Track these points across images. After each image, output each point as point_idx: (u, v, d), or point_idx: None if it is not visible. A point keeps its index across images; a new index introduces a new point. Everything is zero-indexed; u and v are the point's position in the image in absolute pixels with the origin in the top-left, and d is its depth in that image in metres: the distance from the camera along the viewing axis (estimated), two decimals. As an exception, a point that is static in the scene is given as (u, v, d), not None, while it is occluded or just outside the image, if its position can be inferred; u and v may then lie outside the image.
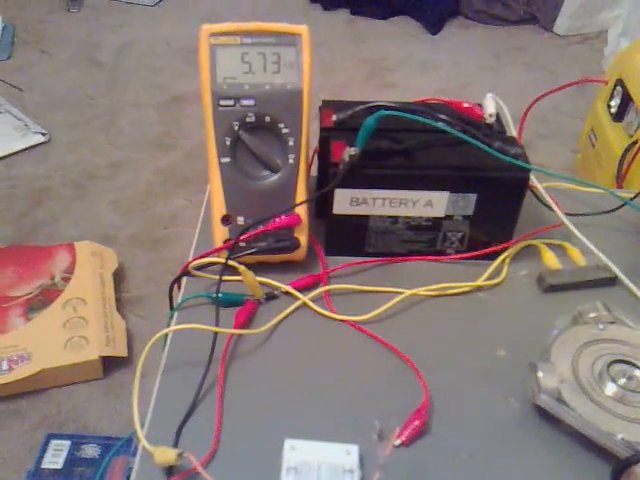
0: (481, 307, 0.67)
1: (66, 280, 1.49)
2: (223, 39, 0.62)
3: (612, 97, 1.73)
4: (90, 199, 1.87)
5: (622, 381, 0.54)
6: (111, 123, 2.18)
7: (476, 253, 0.71)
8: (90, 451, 1.24)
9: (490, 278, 0.70)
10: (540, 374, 0.54)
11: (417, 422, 0.55)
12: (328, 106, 0.72)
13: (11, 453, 1.25)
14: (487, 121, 0.69)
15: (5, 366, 1.30)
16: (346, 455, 0.52)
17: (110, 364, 1.39)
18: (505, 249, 0.71)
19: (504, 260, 0.71)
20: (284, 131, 0.64)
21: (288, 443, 0.52)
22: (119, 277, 1.60)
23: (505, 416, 0.57)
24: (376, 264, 0.71)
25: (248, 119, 0.63)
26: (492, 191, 0.67)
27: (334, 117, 0.69)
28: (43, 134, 2.05)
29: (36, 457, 1.22)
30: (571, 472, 0.53)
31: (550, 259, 0.71)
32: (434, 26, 2.97)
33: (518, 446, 0.55)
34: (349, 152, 0.64)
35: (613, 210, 0.75)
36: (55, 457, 1.22)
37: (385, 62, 2.72)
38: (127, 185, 1.92)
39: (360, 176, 0.66)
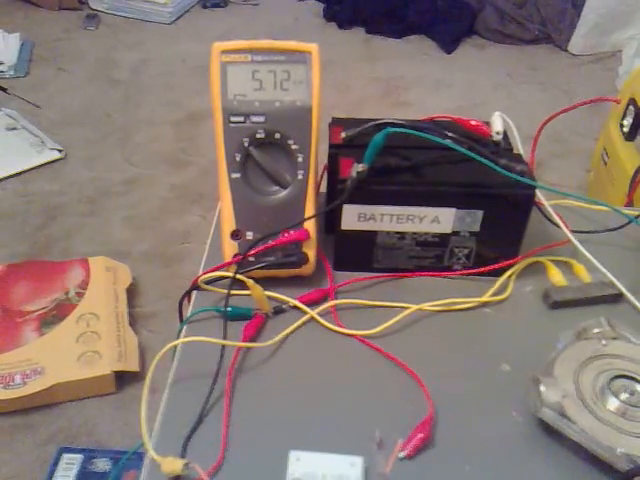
0: (486, 322, 0.68)
1: (80, 295, 1.51)
2: (234, 57, 0.63)
3: (625, 116, 1.74)
4: (104, 215, 1.89)
5: (624, 396, 0.55)
6: (126, 140, 2.21)
7: (483, 269, 0.71)
8: (102, 465, 1.25)
9: (496, 294, 0.70)
10: (543, 388, 0.55)
11: (421, 435, 0.55)
12: (338, 123, 0.73)
13: (24, 467, 1.26)
14: (494, 139, 0.70)
15: (19, 380, 1.31)
16: (350, 467, 0.52)
17: (123, 379, 1.41)
18: (511, 265, 0.72)
19: (510, 276, 0.72)
20: (293, 147, 0.66)
21: (293, 454, 0.53)
22: (132, 292, 1.62)
23: (508, 430, 0.57)
24: (384, 279, 0.72)
25: (258, 135, 0.65)
26: (498, 208, 0.67)
27: (343, 134, 0.71)
28: (59, 150, 2.08)
29: (48, 472, 1.23)
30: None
31: (556, 276, 0.71)
32: (449, 45, 2.99)
33: (521, 460, 0.55)
34: (357, 168, 0.65)
35: (619, 228, 0.75)
36: (67, 471, 1.23)
37: (400, 80, 2.74)
38: (141, 201, 1.95)
39: (368, 192, 0.67)
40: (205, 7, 3.23)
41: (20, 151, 2.07)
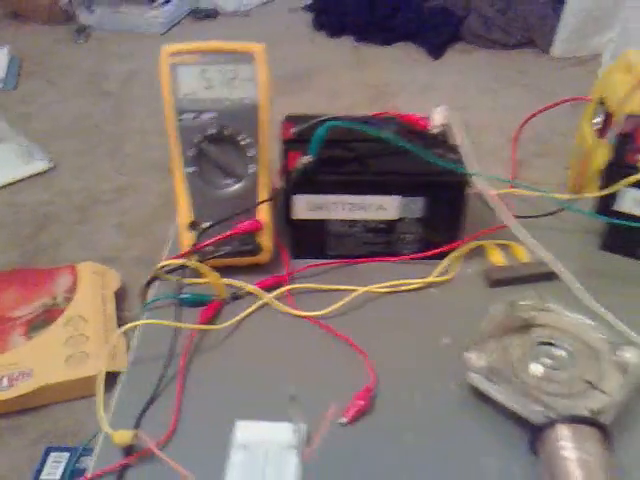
0: (431, 301, 0.72)
1: (68, 300, 1.55)
2: (183, 58, 0.68)
3: (596, 115, 1.78)
4: (94, 223, 1.94)
5: (545, 361, 0.59)
6: (116, 150, 2.26)
7: (428, 253, 0.75)
8: (89, 462, 1.28)
9: (440, 275, 0.74)
10: (471, 355, 0.59)
11: (362, 402, 0.59)
12: (290, 120, 0.78)
13: (12, 468, 1.29)
14: (432, 131, 0.74)
15: (6, 383, 1.35)
16: (293, 433, 0.56)
17: (111, 380, 1.44)
18: (455, 248, 0.76)
19: (454, 258, 0.76)
20: (244, 142, 0.70)
21: (239, 424, 0.57)
22: (122, 297, 1.66)
23: (444, 398, 0.61)
24: (337, 266, 0.76)
25: (209, 132, 0.69)
26: (437, 194, 0.72)
27: (293, 130, 0.75)
28: (48, 161, 2.12)
29: (35, 469, 1.26)
30: (499, 443, 0.57)
31: (496, 257, 0.76)
32: (436, 51, 3.04)
33: (454, 424, 0.59)
34: (302, 161, 0.69)
35: (554, 212, 0.79)
36: (54, 469, 1.27)
37: (388, 87, 2.79)
38: (131, 209, 1.99)
39: (316, 183, 0.71)
40: (196, 18, 3.29)
41: (8, 162, 2.11)
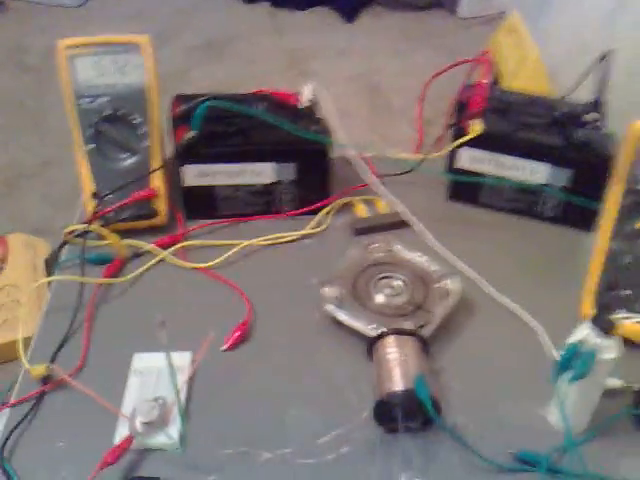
0: (305, 250, 0.86)
1: (0, 270, 1.64)
2: (79, 50, 0.79)
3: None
4: (22, 195, 2.01)
5: (385, 290, 0.74)
6: (40, 123, 2.31)
7: (303, 210, 0.89)
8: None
9: (314, 228, 0.88)
10: (325, 289, 0.73)
11: (238, 333, 0.73)
12: (179, 99, 0.89)
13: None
14: (301, 106, 0.87)
15: (-59, 346, 1.44)
16: (180, 359, 0.70)
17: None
18: (326, 205, 0.90)
19: (326, 214, 0.90)
20: (136, 121, 0.82)
21: (136, 356, 0.70)
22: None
23: (308, 325, 0.75)
24: (226, 224, 0.89)
25: (105, 113, 0.80)
26: (305, 160, 0.85)
27: (181, 108, 0.87)
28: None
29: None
30: (348, 355, 0.71)
31: (361, 210, 0.90)
32: (350, 15, 3.15)
33: (315, 344, 0.74)
34: (187, 135, 0.81)
35: (409, 171, 0.93)
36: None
37: (304, 51, 2.89)
38: (57, 181, 2.06)
39: (201, 154, 0.83)
40: (113, -12, 3.29)
41: None
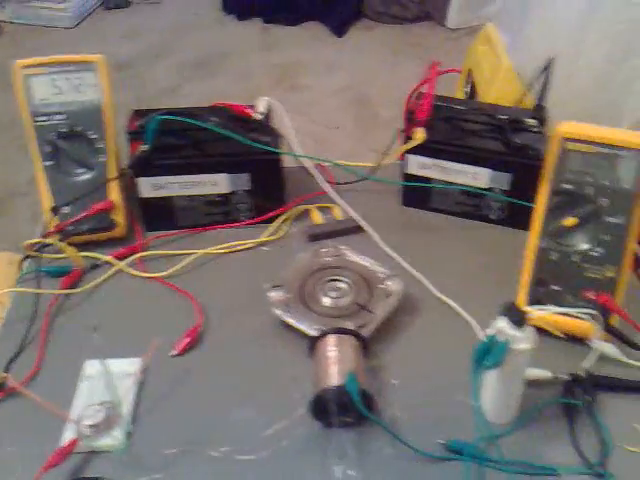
0: (261, 257, 0.89)
1: (-13, 287, 1.67)
2: (34, 70, 0.82)
3: (466, 84, 1.97)
4: (11, 214, 2.05)
5: (331, 293, 0.76)
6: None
7: (259, 219, 0.92)
8: None
9: (270, 235, 0.91)
10: (271, 294, 0.76)
11: (188, 338, 0.75)
12: (137, 114, 0.92)
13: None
14: (255, 118, 0.90)
15: None
16: (130, 365, 0.72)
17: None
18: (282, 213, 0.92)
19: (283, 221, 0.93)
20: (92, 137, 0.85)
21: (88, 362, 0.73)
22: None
23: (259, 328, 0.77)
24: (184, 234, 0.92)
25: (62, 130, 0.84)
26: (258, 170, 0.88)
27: (137, 123, 0.90)
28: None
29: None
30: (293, 356, 0.73)
31: (316, 217, 0.93)
32: (339, 29, 3.20)
33: (265, 345, 0.76)
34: (139, 149, 0.84)
35: (362, 179, 0.96)
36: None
37: (295, 66, 2.94)
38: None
39: (155, 167, 0.86)
40: (107, 9, 3.36)
41: None
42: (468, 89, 1.95)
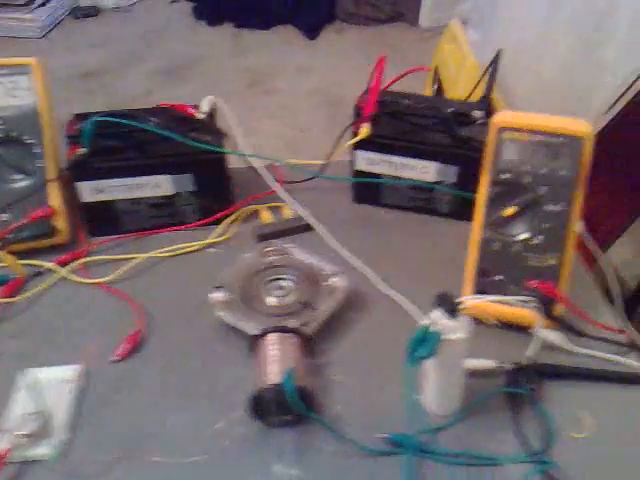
0: (209, 259, 0.87)
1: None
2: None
3: (434, 82, 1.96)
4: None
5: (276, 292, 0.75)
6: None
7: (208, 220, 0.90)
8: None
9: (218, 236, 0.89)
10: (213, 294, 0.74)
11: (129, 343, 0.74)
12: (77, 117, 0.90)
13: None
14: (198, 117, 0.88)
15: None
16: (69, 372, 0.70)
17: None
18: (230, 214, 0.91)
19: (232, 222, 0.91)
20: (30, 142, 0.83)
21: (26, 370, 0.71)
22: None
23: (202, 330, 0.76)
24: (130, 239, 0.90)
25: (-3, 135, 0.82)
26: (201, 171, 0.86)
27: (76, 126, 0.88)
28: None
29: None
30: (237, 356, 0.71)
31: (265, 217, 0.91)
32: (311, 32, 3.19)
33: (207, 347, 0.74)
34: (76, 152, 0.82)
35: (313, 178, 0.94)
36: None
37: (266, 69, 2.92)
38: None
39: (93, 170, 0.84)
40: (77, 17, 3.33)
41: None
42: (435, 87, 1.95)
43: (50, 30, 3.20)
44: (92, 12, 3.34)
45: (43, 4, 3.14)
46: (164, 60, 3.01)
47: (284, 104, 2.67)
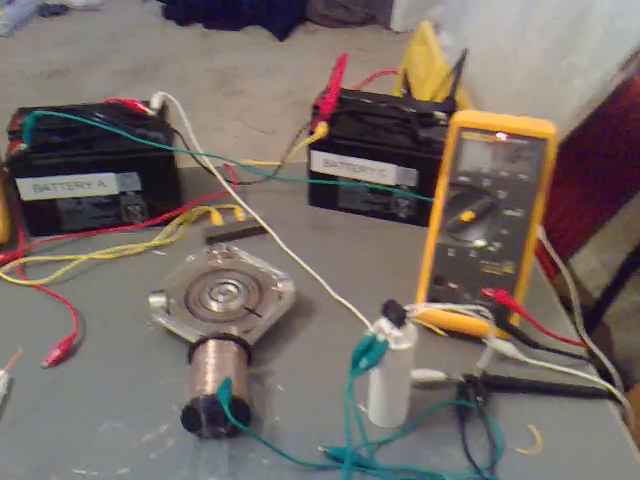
0: (154, 261, 0.83)
1: None
2: None
3: (403, 85, 1.94)
4: None
5: (220, 297, 0.71)
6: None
7: (153, 221, 0.86)
8: None
9: (166, 238, 0.85)
10: (152, 299, 0.70)
11: (60, 349, 0.69)
12: (21, 112, 0.85)
13: None
14: (148, 114, 0.84)
15: None
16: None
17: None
18: (178, 215, 0.87)
19: (181, 223, 0.87)
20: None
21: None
22: None
23: (140, 336, 0.72)
24: (72, 239, 0.85)
25: None
26: (148, 169, 0.82)
27: (19, 121, 0.83)
28: None
29: None
30: (176, 364, 0.67)
31: (216, 218, 0.87)
32: (282, 33, 3.15)
33: (146, 353, 0.71)
34: (17, 148, 0.78)
35: (264, 180, 0.91)
36: None
37: (234, 70, 2.88)
38: None
39: (34, 167, 0.80)
40: (44, 16, 3.26)
41: None
42: (404, 89, 1.92)
43: (16, 28, 3.12)
44: (60, 10, 3.27)
45: (10, 2, 3.06)
46: (131, 60, 2.95)
47: (251, 105, 2.63)
